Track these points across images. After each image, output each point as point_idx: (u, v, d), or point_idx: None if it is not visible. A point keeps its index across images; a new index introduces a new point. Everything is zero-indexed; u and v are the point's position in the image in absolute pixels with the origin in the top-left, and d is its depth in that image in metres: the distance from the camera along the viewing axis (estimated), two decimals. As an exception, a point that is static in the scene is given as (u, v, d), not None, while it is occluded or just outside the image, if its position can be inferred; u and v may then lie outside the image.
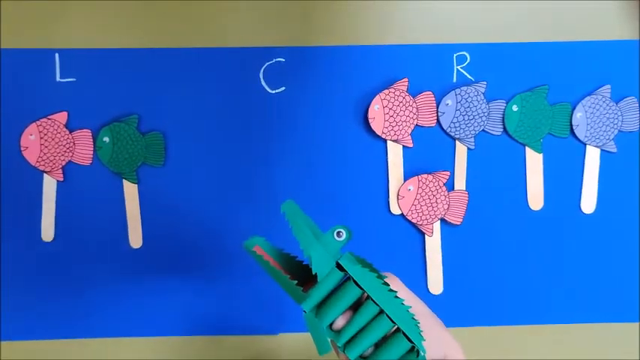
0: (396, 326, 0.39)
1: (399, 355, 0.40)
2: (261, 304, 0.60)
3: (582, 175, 0.61)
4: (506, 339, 0.62)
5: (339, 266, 0.40)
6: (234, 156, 0.60)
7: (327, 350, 0.40)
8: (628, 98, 0.61)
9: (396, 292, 0.40)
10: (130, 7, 0.59)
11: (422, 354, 0.39)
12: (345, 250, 0.39)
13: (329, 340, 0.40)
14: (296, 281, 0.40)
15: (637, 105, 0.61)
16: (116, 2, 0.59)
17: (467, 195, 0.61)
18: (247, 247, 0.42)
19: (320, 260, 0.40)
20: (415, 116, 0.60)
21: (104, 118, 0.59)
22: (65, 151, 0.59)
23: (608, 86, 0.61)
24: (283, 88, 0.60)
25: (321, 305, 0.41)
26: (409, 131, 0.60)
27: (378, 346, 0.40)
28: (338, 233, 0.41)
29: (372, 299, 0.40)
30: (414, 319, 0.39)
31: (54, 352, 0.60)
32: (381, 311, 0.40)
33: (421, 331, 0.39)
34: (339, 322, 0.40)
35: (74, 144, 0.59)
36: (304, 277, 0.43)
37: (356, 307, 0.41)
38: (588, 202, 0.61)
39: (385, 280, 0.40)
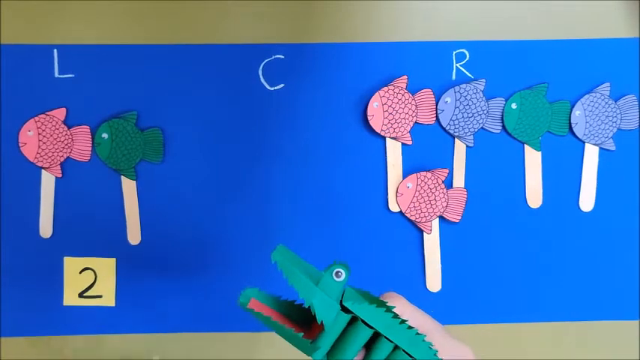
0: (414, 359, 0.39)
1: None
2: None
3: (581, 173, 0.61)
4: (505, 337, 0.62)
5: (343, 308, 0.39)
6: (233, 153, 0.60)
7: None
8: (627, 96, 0.61)
9: (407, 322, 0.39)
10: (128, 3, 0.59)
11: None
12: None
13: None
14: (302, 333, 0.38)
15: (636, 103, 0.61)
16: (115, -2, 0.59)
17: (466, 192, 0.61)
18: (242, 304, 0.40)
19: (323, 307, 0.38)
20: (414, 114, 0.60)
21: (103, 114, 0.59)
22: (63, 148, 0.59)
23: (608, 84, 0.61)
24: (282, 85, 0.60)
25: (332, 350, 0.39)
26: (408, 129, 0.60)
27: None
28: (337, 273, 0.38)
29: (385, 337, 0.38)
30: (431, 348, 0.39)
31: (52, 349, 0.60)
32: (396, 347, 0.38)
33: None
34: None
35: (72, 140, 0.59)
36: (309, 319, 0.41)
37: (368, 344, 0.39)
38: (587, 200, 0.61)
39: (393, 309, 0.39)
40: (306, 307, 0.38)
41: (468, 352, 0.43)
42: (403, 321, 0.39)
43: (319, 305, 0.38)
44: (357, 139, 0.60)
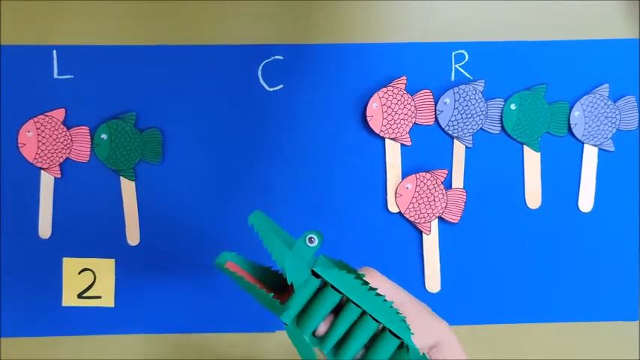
0: (381, 325, 0.39)
1: (389, 354, 0.39)
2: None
3: (580, 174, 0.61)
4: (504, 337, 0.62)
5: (314, 273, 0.40)
6: (232, 153, 0.60)
7: (312, 358, 0.39)
8: (626, 97, 0.61)
9: (376, 289, 0.39)
10: (127, 4, 0.59)
11: (412, 348, 0.39)
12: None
13: (314, 349, 0.40)
14: (272, 294, 0.40)
15: (635, 104, 0.61)
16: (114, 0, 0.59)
17: (465, 193, 0.61)
18: (219, 264, 0.41)
19: (294, 269, 0.39)
20: (413, 114, 0.60)
21: (102, 115, 0.59)
22: (63, 148, 0.59)
23: (607, 85, 0.61)
24: (281, 86, 0.60)
25: (301, 314, 0.40)
26: (407, 129, 0.60)
27: (368, 348, 0.40)
28: (310, 239, 0.40)
29: (352, 301, 0.39)
30: (398, 314, 0.39)
31: (51, 349, 0.60)
32: (364, 312, 0.39)
33: (408, 326, 0.39)
34: (322, 329, 0.40)
35: (72, 141, 0.59)
36: (282, 287, 0.42)
37: (338, 311, 0.40)
38: (586, 201, 0.61)
39: (364, 277, 0.40)
40: (279, 269, 0.40)
41: (443, 329, 0.42)
42: (372, 288, 0.39)
43: (290, 267, 0.39)
44: (356, 140, 0.60)
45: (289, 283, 0.39)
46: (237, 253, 0.42)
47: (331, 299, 0.39)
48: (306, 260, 0.40)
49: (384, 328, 0.39)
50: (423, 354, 0.40)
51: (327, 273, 0.39)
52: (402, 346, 0.39)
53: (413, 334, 0.39)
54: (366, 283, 0.39)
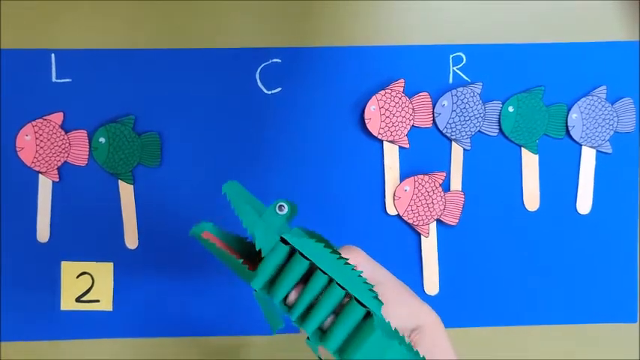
0: (348, 293, 0.38)
1: (355, 322, 0.38)
2: (257, 305, 0.60)
3: (578, 176, 0.61)
4: (503, 340, 0.62)
5: (284, 240, 0.40)
6: (230, 157, 0.60)
7: (279, 326, 0.39)
8: (624, 99, 0.61)
9: (346, 259, 0.39)
10: (126, 7, 0.59)
11: (379, 318, 0.38)
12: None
13: (281, 316, 0.40)
14: (242, 260, 0.40)
15: (633, 106, 0.61)
16: (112, 3, 0.59)
17: (463, 196, 0.61)
18: (195, 233, 0.41)
19: (263, 236, 0.39)
20: (411, 117, 0.60)
21: (100, 118, 0.59)
22: (61, 152, 0.59)
23: (604, 87, 0.61)
24: (279, 89, 0.60)
25: (272, 283, 0.40)
26: (405, 132, 0.60)
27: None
28: (280, 207, 0.40)
29: (320, 269, 0.39)
30: (366, 283, 0.38)
31: (50, 353, 0.60)
32: (331, 280, 0.39)
33: (376, 294, 0.38)
34: (292, 297, 0.39)
35: (70, 144, 0.59)
36: (256, 257, 0.42)
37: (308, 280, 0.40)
38: (584, 203, 0.61)
39: (334, 247, 0.39)
40: (250, 236, 0.40)
41: (426, 312, 0.40)
42: (341, 257, 0.39)
43: (259, 233, 0.39)
44: (355, 143, 0.61)
45: (257, 249, 0.39)
46: (214, 224, 0.43)
47: (299, 266, 0.39)
48: (275, 228, 0.40)
49: (351, 297, 0.39)
50: (395, 329, 0.38)
51: (296, 240, 0.39)
52: (369, 316, 0.38)
53: (382, 304, 0.38)
54: (335, 252, 0.39)
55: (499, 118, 0.61)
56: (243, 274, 0.40)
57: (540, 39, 0.61)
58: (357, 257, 0.41)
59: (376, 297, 0.38)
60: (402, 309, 0.40)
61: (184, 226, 0.60)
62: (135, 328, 0.60)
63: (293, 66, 0.60)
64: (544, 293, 0.62)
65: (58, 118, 0.59)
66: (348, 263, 0.39)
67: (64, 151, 0.59)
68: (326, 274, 0.39)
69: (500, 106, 0.61)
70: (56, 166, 0.59)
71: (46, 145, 0.59)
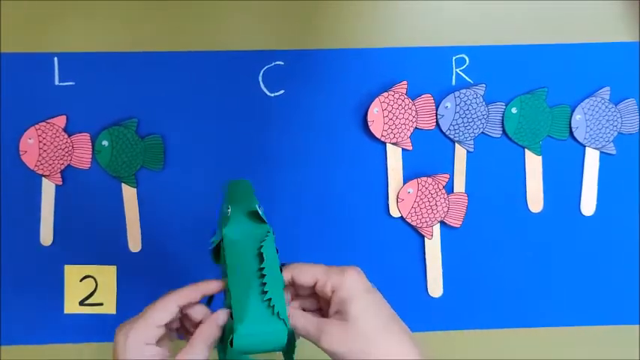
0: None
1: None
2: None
3: (582, 178, 0.61)
4: (506, 342, 0.62)
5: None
6: (233, 159, 0.60)
7: None
8: (627, 100, 0.61)
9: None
10: (128, 10, 0.59)
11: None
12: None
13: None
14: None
15: (636, 107, 0.61)
16: (115, 6, 0.59)
17: (466, 197, 0.61)
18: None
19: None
20: (414, 119, 0.60)
21: (103, 121, 0.59)
22: (64, 155, 0.59)
23: (608, 88, 0.61)
24: (282, 92, 0.60)
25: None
26: (408, 134, 0.60)
27: None
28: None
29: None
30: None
31: (53, 356, 0.60)
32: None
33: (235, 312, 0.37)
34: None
35: (73, 148, 0.59)
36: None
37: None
38: (588, 204, 0.61)
39: (340, 269, 0.39)
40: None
41: (352, 273, 0.39)
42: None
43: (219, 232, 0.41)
44: (358, 145, 0.60)
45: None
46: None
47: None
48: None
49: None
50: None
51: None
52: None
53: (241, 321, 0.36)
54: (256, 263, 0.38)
55: (502, 120, 0.61)
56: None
57: (543, 40, 0.61)
58: (348, 278, 0.39)
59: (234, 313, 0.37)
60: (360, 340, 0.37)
61: (187, 229, 0.60)
62: (138, 331, 0.60)
63: (296, 68, 0.60)
64: (547, 295, 0.62)
65: (61, 121, 0.59)
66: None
67: (67, 154, 0.59)
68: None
69: (504, 107, 0.61)
70: (59, 170, 0.59)
71: (49, 149, 0.59)
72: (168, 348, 0.40)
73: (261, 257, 0.38)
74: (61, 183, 0.59)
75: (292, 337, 0.37)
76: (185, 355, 0.37)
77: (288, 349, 0.37)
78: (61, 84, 0.59)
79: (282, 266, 0.40)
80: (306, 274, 0.40)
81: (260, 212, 0.41)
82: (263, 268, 0.37)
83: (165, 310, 0.39)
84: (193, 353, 0.37)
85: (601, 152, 0.61)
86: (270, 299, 0.36)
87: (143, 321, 0.38)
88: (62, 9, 0.59)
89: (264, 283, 0.36)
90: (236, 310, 0.36)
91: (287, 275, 0.40)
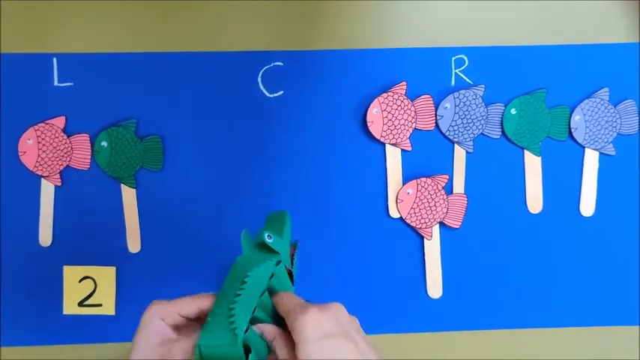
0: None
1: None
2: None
3: (581, 178, 0.61)
4: (506, 343, 0.62)
5: None
6: (233, 160, 0.60)
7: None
8: (626, 101, 0.61)
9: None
10: (127, 11, 0.59)
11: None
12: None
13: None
14: None
15: (635, 108, 0.61)
16: (114, 6, 0.59)
17: (466, 198, 0.61)
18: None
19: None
20: (414, 120, 0.60)
21: (102, 122, 0.59)
22: (63, 156, 0.59)
23: (607, 89, 0.61)
24: (282, 92, 0.60)
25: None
26: (408, 135, 0.60)
27: None
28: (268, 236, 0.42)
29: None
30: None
31: (52, 358, 0.60)
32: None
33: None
34: None
35: (72, 148, 0.59)
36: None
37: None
38: (587, 205, 0.61)
39: (322, 305, 0.37)
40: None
41: (309, 317, 0.36)
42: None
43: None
44: (357, 146, 0.60)
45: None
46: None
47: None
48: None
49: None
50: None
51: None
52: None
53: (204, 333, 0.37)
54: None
55: (502, 121, 0.61)
56: None
57: (543, 41, 0.61)
58: (300, 323, 0.36)
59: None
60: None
61: (187, 230, 0.60)
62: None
63: (295, 69, 0.60)
64: (547, 296, 0.62)
65: (60, 122, 0.59)
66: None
67: (66, 155, 0.59)
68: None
69: (503, 108, 0.61)
70: (58, 170, 0.59)
71: (48, 150, 0.59)
72: (179, 340, 0.39)
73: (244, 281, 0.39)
74: (60, 184, 0.59)
75: (251, 351, 0.38)
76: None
77: None
78: (60, 85, 0.59)
79: (273, 292, 0.41)
80: (280, 307, 0.40)
81: (269, 242, 0.42)
82: (243, 289, 0.38)
83: (192, 304, 0.40)
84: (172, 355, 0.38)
85: (600, 153, 0.61)
86: (233, 315, 0.37)
87: (169, 302, 0.40)
88: (62, 9, 0.59)
89: (235, 302, 0.38)
90: (205, 324, 0.38)
91: (273, 300, 0.41)
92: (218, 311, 0.38)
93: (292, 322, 0.36)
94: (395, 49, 0.60)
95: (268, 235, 0.42)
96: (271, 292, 0.42)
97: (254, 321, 0.39)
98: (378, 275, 0.61)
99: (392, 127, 0.60)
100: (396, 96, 0.60)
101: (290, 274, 0.45)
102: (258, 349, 0.38)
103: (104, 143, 0.59)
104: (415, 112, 0.60)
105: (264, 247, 0.42)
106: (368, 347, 0.37)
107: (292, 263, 0.46)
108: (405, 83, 0.60)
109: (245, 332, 0.36)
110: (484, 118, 0.60)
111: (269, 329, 0.39)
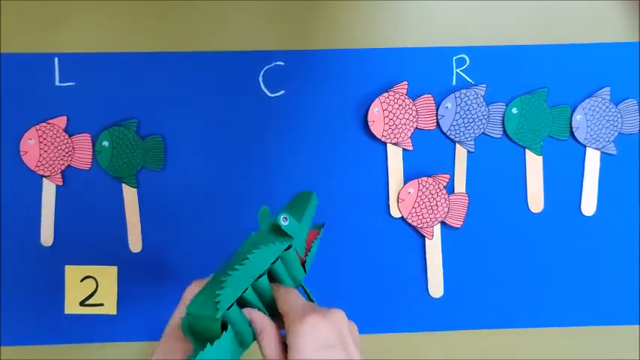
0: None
1: None
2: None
3: (582, 178, 0.61)
4: (507, 342, 0.62)
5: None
6: (234, 160, 0.60)
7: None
8: (628, 100, 0.61)
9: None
10: (129, 10, 0.59)
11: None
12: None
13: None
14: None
15: (637, 107, 0.61)
16: (115, 6, 0.59)
17: (467, 198, 0.61)
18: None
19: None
20: (415, 119, 0.60)
21: (103, 122, 0.59)
22: (64, 156, 0.59)
23: (608, 88, 0.61)
24: (283, 92, 0.60)
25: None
26: (409, 134, 0.60)
27: None
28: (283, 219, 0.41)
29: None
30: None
31: (53, 357, 0.60)
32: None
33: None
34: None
35: (73, 148, 0.59)
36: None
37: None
38: (588, 205, 0.61)
39: (324, 310, 0.37)
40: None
41: (304, 327, 0.36)
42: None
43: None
44: (358, 145, 0.60)
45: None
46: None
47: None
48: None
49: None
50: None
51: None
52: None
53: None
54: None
55: (503, 120, 0.61)
56: None
57: (544, 40, 0.61)
58: (295, 333, 0.35)
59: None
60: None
61: (188, 229, 0.60)
62: (139, 331, 0.60)
63: (296, 69, 0.60)
64: (548, 295, 0.62)
65: (61, 121, 0.59)
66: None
67: (67, 154, 0.59)
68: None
69: (504, 107, 0.61)
70: (60, 170, 0.59)
71: (49, 149, 0.59)
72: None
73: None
74: (61, 183, 0.59)
75: (227, 329, 0.37)
76: None
77: (222, 341, 0.37)
78: (61, 84, 0.59)
79: (276, 278, 0.40)
80: (279, 303, 0.39)
81: (283, 225, 0.40)
82: (238, 268, 0.37)
83: None
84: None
85: (601, 152, 0.61)
86: (221, 289, 0.36)
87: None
88: (63, 9, 0.59)
89: (226, 278, 0.37)
90: (196, 294, 0.37)
91: (274, 291, 0.40)
92: (210, 284, 0.37)
93: (290, 326, 0.36)
94: (396, 48, 0.60)
95: (284, 218, 0.40)
96: (273, 277, 0.40)
97: (244, 303, 0.38)
98: (379, 275, 0.61)
99: (393, 127, 0.60)
100: (397, 95, 0.60)
101: (302, 263, 0.43)
102: (241, 331, 0.37)
103: (105, 143, 0.59)
104: (416, 111, 0.60)
105: (279, 229, 0.41)
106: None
107: (309, 250, 0.44)
108: (406, 83, 0.60)
109: (228, 309, 0.36)
110: (485, 117, 0.60)
111: (258, 318, 0.38)
